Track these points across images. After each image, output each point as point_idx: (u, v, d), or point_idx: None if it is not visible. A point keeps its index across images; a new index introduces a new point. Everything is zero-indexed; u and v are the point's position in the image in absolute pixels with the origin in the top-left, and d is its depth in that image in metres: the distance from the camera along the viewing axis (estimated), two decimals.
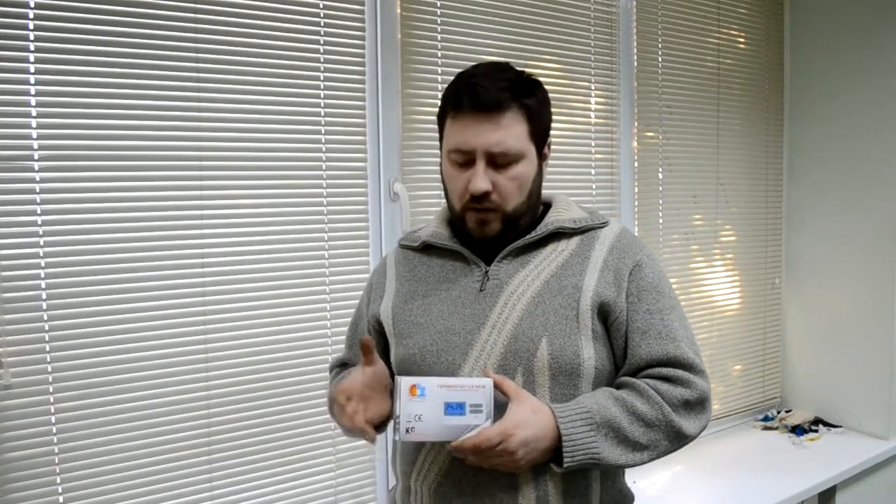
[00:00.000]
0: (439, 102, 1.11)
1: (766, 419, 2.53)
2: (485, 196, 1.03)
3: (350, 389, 1.00)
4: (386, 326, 1.13)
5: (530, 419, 0.94)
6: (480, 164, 1.02)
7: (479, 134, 1.02)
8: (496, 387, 0.96)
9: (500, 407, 0.96)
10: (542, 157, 1.10)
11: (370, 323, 1.18)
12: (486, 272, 1.08)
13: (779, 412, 2.57)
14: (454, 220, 1.12)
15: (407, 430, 0.94)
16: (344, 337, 1.30)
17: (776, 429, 2.45)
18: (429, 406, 0.94)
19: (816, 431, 2.39)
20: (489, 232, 1.06)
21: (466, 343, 1.04)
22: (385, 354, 1.16)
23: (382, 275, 1.20)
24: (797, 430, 2.40)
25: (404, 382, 0.95)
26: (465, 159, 1.04)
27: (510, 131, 1.02)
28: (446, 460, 1.03)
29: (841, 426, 2.41)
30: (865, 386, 2.35)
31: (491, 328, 1.03)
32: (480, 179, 1.02)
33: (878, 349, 2.30)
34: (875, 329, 2.31)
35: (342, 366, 1.25)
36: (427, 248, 1.16)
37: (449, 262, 1.12)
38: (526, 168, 1.05)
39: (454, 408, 0.94)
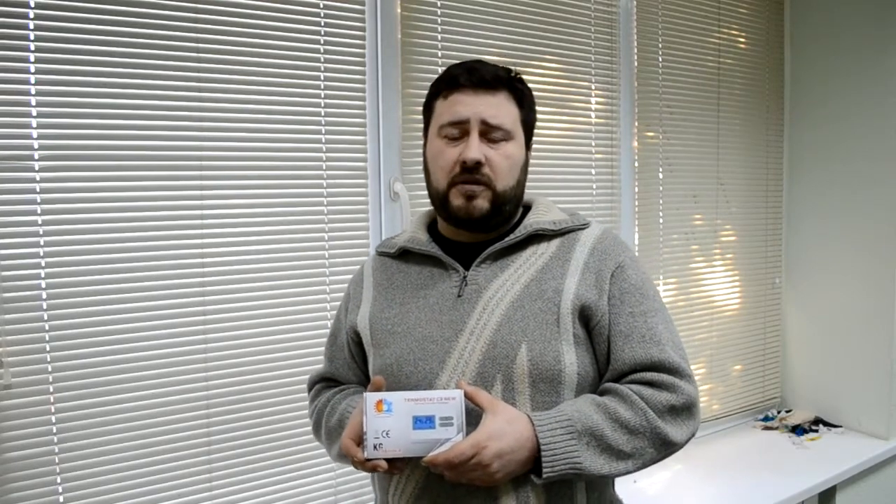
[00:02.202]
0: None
1: (766, 419, 2.53)
2: (476, 168, 1.01)
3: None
4: (363, 337, 1.10)
5: (505, 430, 0.91)
6: (474, 134, 1.02)
7: (476, 104, 1.02)
8: (469, 398, 0.93)
9: (478, 419, 0.93)
10: (528, 148, 1.10)
11: (348, 335, 1.14)
12: (465, 277, 1.05)
13: (779, 412, 2.57)
14: (436, 209, 1.10)
15: (375, 447, 0.91)
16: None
17: (776, 429, 2.45)
18: (396, 421, 0.92)
19: (816, 431, 2.39)
20: (475, 210, 1.03)
21: (444, 351, 1.00)
22: (365, 365, 1.14)
23: (359, 284, 1.17)
24: (797, 430, 2.40)
25: (370, 398, 0.93)
26: (459, 131, 1.03)
27: (504, 109, 1.04)
28: (423, 474, 0.99)
29: (841, 426, 2.41)
30: (865, 386, 2.35)
31: (469, 335, 1.00)
32: (474, 149, 1.01)
33: (878, 349, 2.30)
34: (875, 329, 2.31)
35: (324, 381, 1.21)
36: (404, 255, 1.13)
37: (426, 268, 1.09)
38: (516, 150, 1.05)
39: (423, 421, 0.92)
